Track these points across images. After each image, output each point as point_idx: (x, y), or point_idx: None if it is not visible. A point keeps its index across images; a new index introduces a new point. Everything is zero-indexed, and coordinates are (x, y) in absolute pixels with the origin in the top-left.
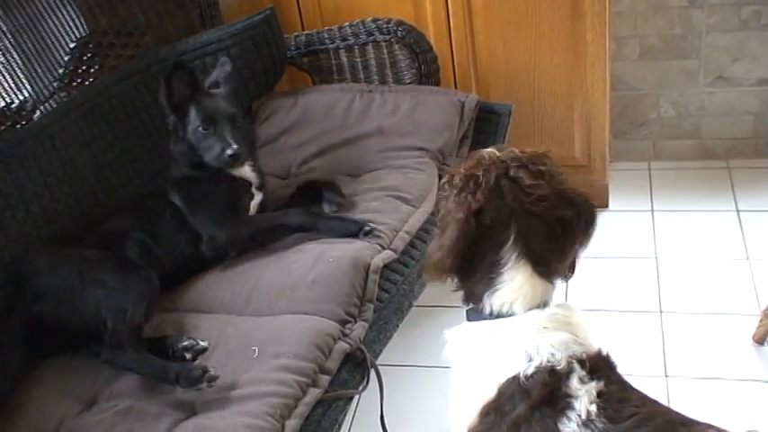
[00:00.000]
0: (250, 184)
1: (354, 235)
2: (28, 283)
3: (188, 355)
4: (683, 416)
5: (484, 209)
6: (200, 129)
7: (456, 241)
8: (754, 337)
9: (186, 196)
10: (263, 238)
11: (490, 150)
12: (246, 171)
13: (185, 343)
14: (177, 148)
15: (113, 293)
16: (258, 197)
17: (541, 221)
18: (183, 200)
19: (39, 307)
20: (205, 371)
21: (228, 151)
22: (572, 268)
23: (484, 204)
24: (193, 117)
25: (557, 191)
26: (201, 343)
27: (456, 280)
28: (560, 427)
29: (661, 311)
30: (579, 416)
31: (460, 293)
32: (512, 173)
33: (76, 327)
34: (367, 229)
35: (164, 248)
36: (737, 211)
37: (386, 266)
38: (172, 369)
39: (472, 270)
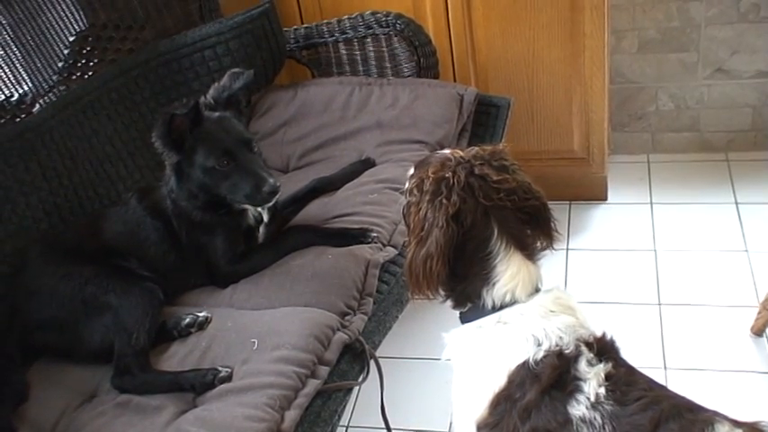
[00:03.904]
0: (262, 218)
1: (359, 242)
2: (27, 310)
3: (193, 330)
4: (690, 401)
5: (461, 210)
6: (217, 167)
7: (444, 247)
8: (752, 329)
9: (196, 235)
10: (273, 262)
11: (449, 151)
12: None
13: (187, 320)
14: (183, 190)
15: (117, 316)
16: (266, 216)
17: (513, 212)
18: (191, 238)
19: (42, 337)
20: (215, 373)
21: (266, 188)
22: (550, 240)
23: (461, 205)
24: (204, 154)
25: (520, 183)
26: (201, 314)
27: (442, 289)
28: (570, 409)
29: (660, 303)
30: (588, 398)
31: (449, 302)
32: (477, 171)
33: (83, 353)
34: (374, 235)
35: (172, 284)
36: (736, 203)
37: None
38: (184, 379)
39: (461, 272)
